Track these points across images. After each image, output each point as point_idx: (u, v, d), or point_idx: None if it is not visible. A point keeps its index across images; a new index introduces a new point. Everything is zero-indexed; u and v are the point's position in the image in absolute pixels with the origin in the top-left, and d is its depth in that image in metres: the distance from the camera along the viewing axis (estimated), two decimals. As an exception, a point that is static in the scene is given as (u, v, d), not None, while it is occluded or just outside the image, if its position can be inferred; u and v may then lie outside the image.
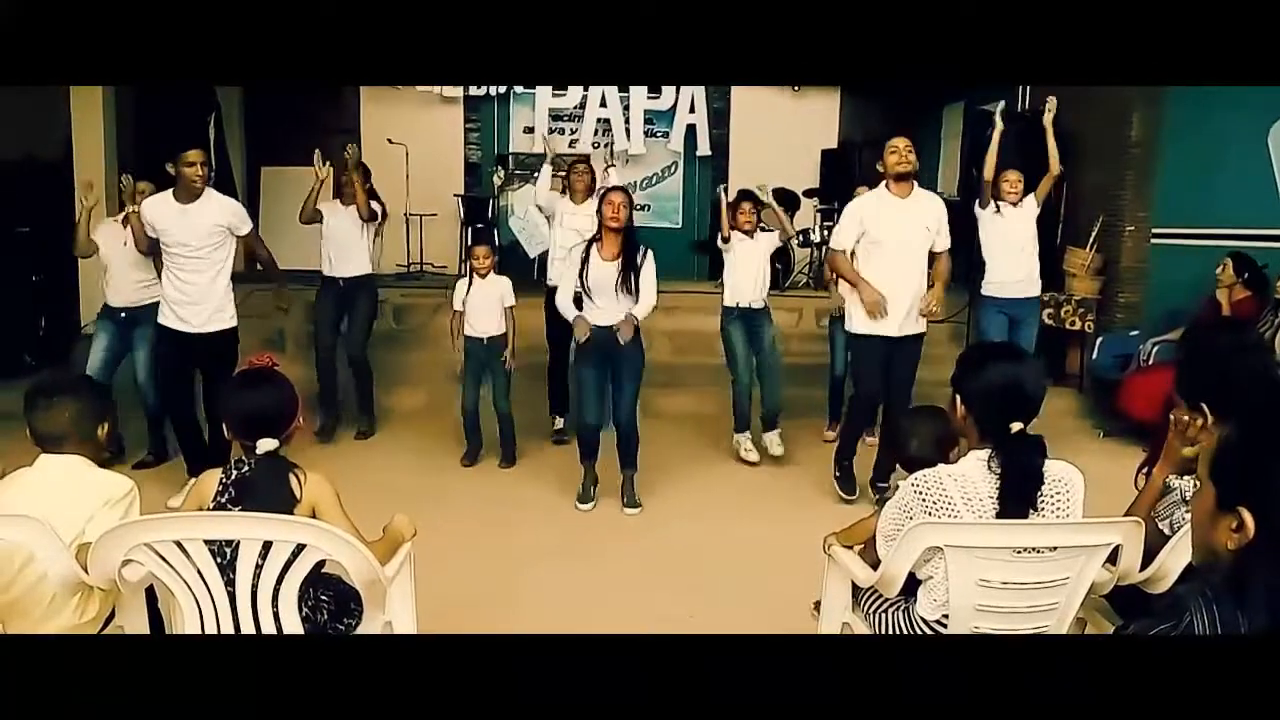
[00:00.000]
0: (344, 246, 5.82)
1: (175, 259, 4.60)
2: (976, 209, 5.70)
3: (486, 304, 5.35)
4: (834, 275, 5.53)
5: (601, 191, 4.89)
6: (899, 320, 4.63)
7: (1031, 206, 5.60)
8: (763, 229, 5.54)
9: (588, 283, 4.56)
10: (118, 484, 2.43)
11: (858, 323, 4.71)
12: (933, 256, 4.75)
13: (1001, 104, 6.59)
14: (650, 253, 4.63)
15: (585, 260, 4.58)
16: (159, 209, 4.61)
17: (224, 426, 2.44)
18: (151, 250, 4.82)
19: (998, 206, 5.57)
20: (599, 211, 4.64)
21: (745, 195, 5.58)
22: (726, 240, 5.42)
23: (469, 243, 8.55)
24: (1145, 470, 2.58)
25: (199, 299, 4.60)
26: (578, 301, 4.64)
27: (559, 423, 5.99)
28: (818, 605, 3.03)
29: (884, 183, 4.67)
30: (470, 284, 5.39)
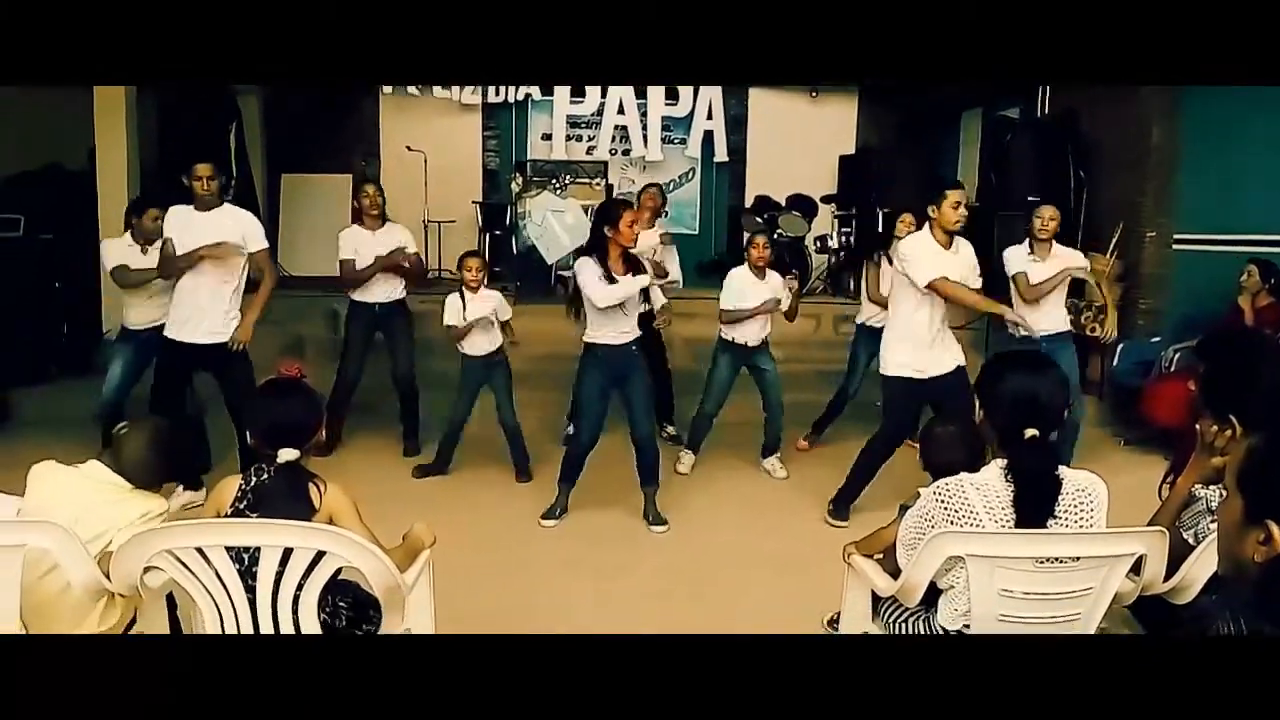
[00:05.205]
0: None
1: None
2: (1007, 256, 5.14)
3: (481, 320, 5.14)
4: (866, 284, 5.44)
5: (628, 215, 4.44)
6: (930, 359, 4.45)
7: (1065, 258, 5.08)
8: (771, 267, 5.28)
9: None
10: (154, 503, 2.53)
11: (890, 365, 4.54)
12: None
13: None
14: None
15: (609, 280, 4.35)
16: (177, 215, 4.66)
17: (246, 435, 2.46)
18: (175, 274, 4.70)
19: (1031, 252, 5.05)
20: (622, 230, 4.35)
21: (760, 230, 5.32)
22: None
23: (486, 247, 8.57)
24: (1170, 479, 2.56)
25: (207, 308, 4.61)
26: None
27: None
28: (830, 622, 3.02)
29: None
30: (464, 300, 5.17)
